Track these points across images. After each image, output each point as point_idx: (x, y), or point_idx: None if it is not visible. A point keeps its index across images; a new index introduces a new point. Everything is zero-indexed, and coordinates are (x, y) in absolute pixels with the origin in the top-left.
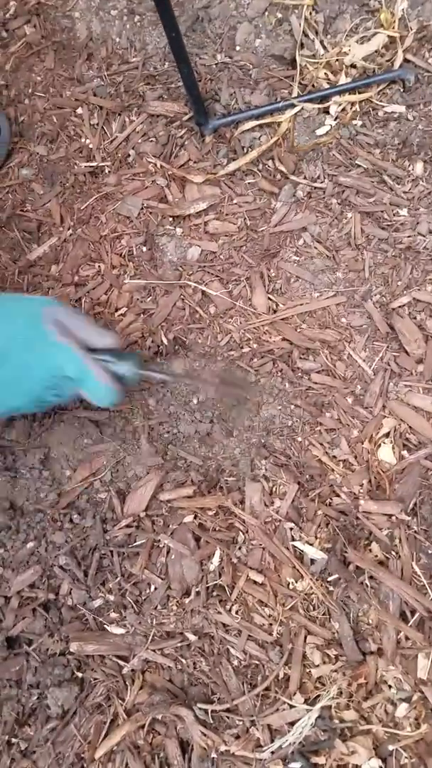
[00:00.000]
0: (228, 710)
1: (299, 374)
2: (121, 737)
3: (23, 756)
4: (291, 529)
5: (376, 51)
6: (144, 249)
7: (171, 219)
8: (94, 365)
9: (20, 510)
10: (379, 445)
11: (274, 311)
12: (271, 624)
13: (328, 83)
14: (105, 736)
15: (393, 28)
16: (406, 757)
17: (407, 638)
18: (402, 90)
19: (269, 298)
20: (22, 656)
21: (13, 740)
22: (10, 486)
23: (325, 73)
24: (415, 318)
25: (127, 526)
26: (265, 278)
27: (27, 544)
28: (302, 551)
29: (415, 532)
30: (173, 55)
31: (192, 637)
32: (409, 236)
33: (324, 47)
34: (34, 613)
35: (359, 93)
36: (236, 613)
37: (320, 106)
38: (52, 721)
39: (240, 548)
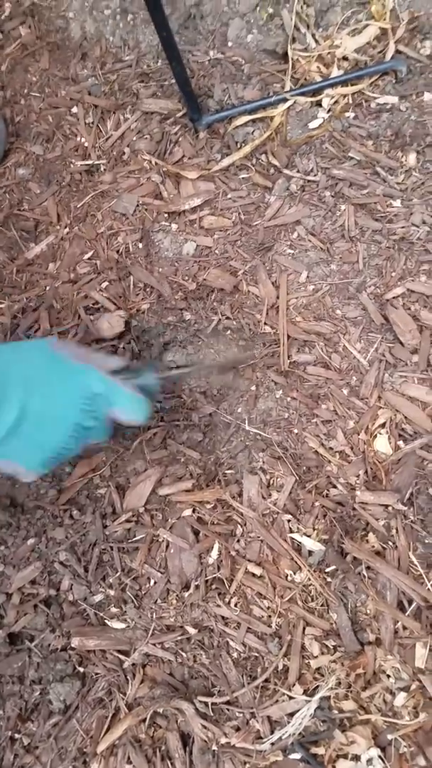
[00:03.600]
0: (228, 703)
1: (295, 366)
2: (123, 731)
3: (26, 751)
4: (289, 521)
5: (367, 43)
6: (140, 246)
7: (166, 215)
8: (118, 380)
9: (20, 507)
10: (375, 436)
11: (272, 304)
12: (269, 616)
13: (320, 76)
14: (107, 730)
15: (384, 19)
16: (404, 746)
17: (405, 628)
18: (394, 81)
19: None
20: (24, 652)
21: (17, 736)
22: (10, 483)
23: (318, 67)
24: (409, 309)
25: (127, 521)
26: (263, 271)
27: (27, 540)
28: (300, 543)
29: (412, 521)
30: (165, 53)
31: (192, 631)
32: (402, 227)
33: (316, 40)
34: (36, 609)
35: (351, 85)
36: (235, 605)
37: (313, 99)
38: (54, 716)
39: (238, 541)
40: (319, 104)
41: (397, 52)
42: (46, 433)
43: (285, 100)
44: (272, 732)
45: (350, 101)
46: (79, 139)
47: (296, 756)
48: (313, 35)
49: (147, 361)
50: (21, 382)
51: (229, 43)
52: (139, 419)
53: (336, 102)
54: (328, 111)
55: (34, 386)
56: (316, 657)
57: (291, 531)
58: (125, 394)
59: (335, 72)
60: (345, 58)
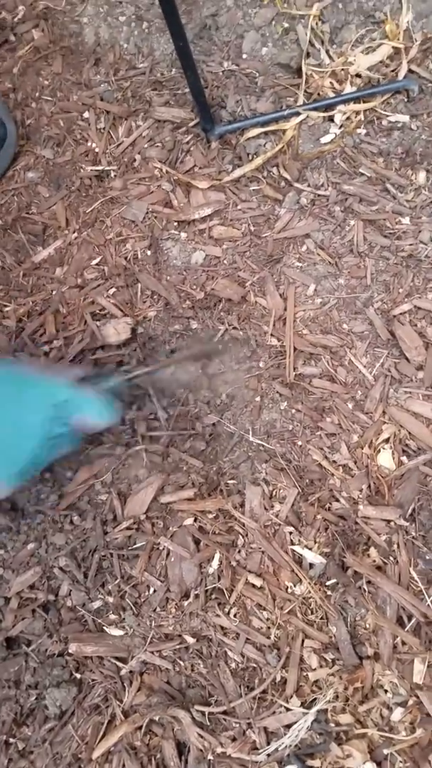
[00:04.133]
0: (225, 712)
1: (301, 379)
2: (119, 738)
3: (21, 756)
4: (290, 533)
5: (381, 61)
6: (148, 253)
7: (176, 224)
8: (83, 386)
9: (21, 511)
10: (379, 451)
11: (279, 316)
12: (269, 627)
13: (333, 92)
14: (102, 736)
15: (398, 39)
16: (400, 761)
17: (404, 643)
18: (406, 100)
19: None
20: (21, 656)
21: (11, 740)
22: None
23: (331, 82)
24: (415, 325)
25: (128, 528)
26: (272, 283)
27: (27, 545)
28: (301, 555)
29: (413, 537)
30: (180, 62)
31: (190, 640)
32: (411, 244)
33: (330, 57)
34: (34, 613)
35: (364, 102)
36: (234, 616)
37: (325, 114)
38: (50, 721)
39: (239, 552)
40: (331, 119)
41: (410, 71)
42: (15, 446)
43: (298, 114)
44: (268, 743)
45: (362, 118)
46: (89, 144)
47: None
48: (327, 51)
49: (111, 371)
50: None
51: (244, 55)
52: (105, 421)
53: (348, 118)
54: (340, 127)
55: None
56: (315, 670)
57: (292, 543)
58: (90, 398)
59: (348, 88)
60: (358, 75)
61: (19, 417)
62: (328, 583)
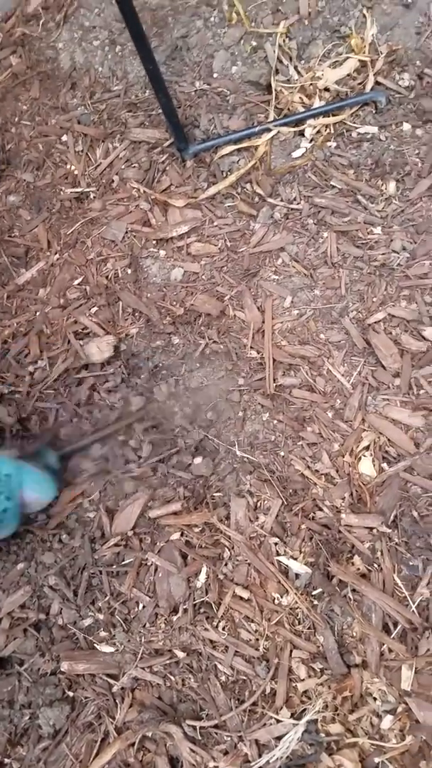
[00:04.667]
0: (216, 726)
1: (281, 390)
2: (112, 755)
3: None
4: (276, 544)
5: (348, 75)
6: (129, 271)
7: (154, 242)
8: (24, 462)
9: None
10: (360, 459)
11: (258, 328)
12: (257, 639)
13: (302, 107)
14: (96, 754)
15: (364, 52)
16: None
17: (390, 650)
18: (374, 111)
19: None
20: (14, 676)
21: (6, 761)
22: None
23: (300, 97)
24: (390, 333)
25: (116, 545)
26: (249, 296)
27: (17, 565)
28: (287, 566)
29: (396, 544)
30: (152, 85)
31: (180, 654)
32: (383, 254)
33: (298, 72)
34: (26, 633)
35: (333, 116)
36: (223, 629)
37: (296, 129)
38: (43, 740)
39: (226, 564)
40: (301, 134)
41: (377, 83)
42: None
43: (269, 130)
44: (260, 755)
45: (332, 131)
46: (68, 166)
47: None
48: (296, 67)
49: (38, 443)
50: None
51: (215, 75)
52: (48, 497)
53: (318, 132)
54: (311, 141)
55: None
56: (303, 680)
57: (278, 554)
58: (34, 473)
59: (317, 103)
60: (326, 89)
61: None
62: (314, 592)
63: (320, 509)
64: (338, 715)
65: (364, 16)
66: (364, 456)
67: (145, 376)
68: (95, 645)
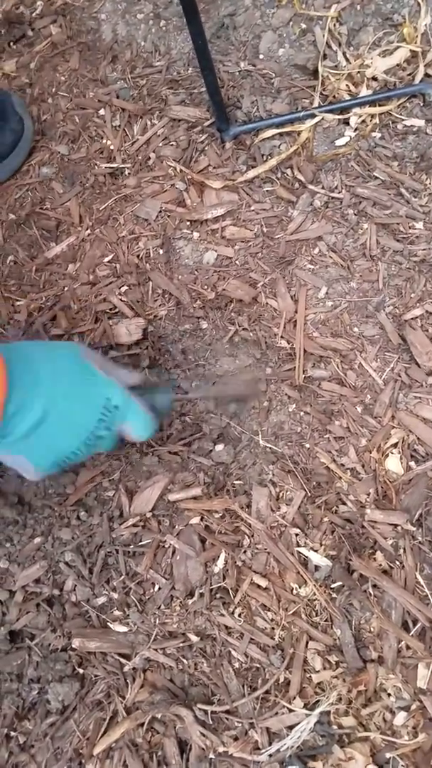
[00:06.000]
0: (227, 712)
1: (310, 381)
2: (120, 734)
3: (21, 750)
4: (296, 534)
5: (397, 65)
6: (161, 252)
7: (188, 223)
8: (136, 397)
9: (28, 505)
10: (387, 455)
11: (290, 318)
12: (273, 628)
13: (349, 95)
14: (104, 732)
15: (415, 42)
16: (402, 766)
17: (408, 647)
18: (422, 104)
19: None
20: (24, 650)
21: (12, 733)
22: (19, 481)
23: (347, 85)
24: (427, 330)
25: (134, 525)
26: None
27: (34, 539)
28: (307, 557)
29: (420, 542)
30: (198, 62)
31: (194, 638)
32: (424, 249)
33: (346, 59)
34: (38, 608)
35: (379, 106)
36: (239, 616)
37: (340, 117)
38: (51, 716)
39: (245, 552)
40: (346, 122)
41: (426, 75)
42: (63, 437)
43: (313, 116)
44: (270, 744)
45: (377, 121)
46: (104, 141)
47: None
48: (344, 53)
49: (163, 380)
50: (49, 384)
51: (261, 56)
52: (143, 438)
53: (363, 121)
54: (355, 130)
55: (60, 389)
56: (318, 672)
57: (298, 545)
58: (139, 412)
59: (364, 91)
60: (374, 78)
61: (74, 411)
62: (333, 585)
63: (344, 503)
64: (351, 708)
65: (419, 4)
66: (392, 453)
67: (174, 361)
68: (108, 624)
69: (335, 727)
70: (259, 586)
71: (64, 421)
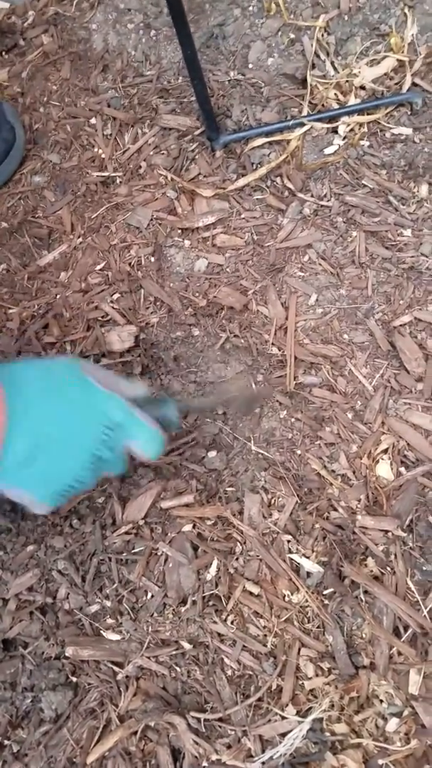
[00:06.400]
0: (220, 719)
1: (301, 388)
2: (114, 743)
3: (15, 758)
4: (288, 541)
5: (385, 74)
6: (152, 259)
7: (179, 231)
8: (139, 411)
9: (21, 513)
10: (378, 461)
11: (281, 325)
12: (265, 635)
13: (337, 104)
14: (97, 741)
15: (402, 52)
16: None
17: (400, 653)
18: (409, 113)
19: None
20: (17, 659)
21: (6, 742)
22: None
23: (335, 94)
24: (416, 337)
25: (126, 533)
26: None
27: (27, 547)
28: (299, 564)
29: (411, 548)
30: (188, 71)
31: (187, 646)
32: (412, 256)
33: (335, 68)
34: (31, 616)
35: (367, 114)
36: (231, 623)
37: (329, 125)
38: (45, 724)
39: (237, 559)
40: (335, 131)
41: (414, 84)
42: (60, 463)
43: (302, 124)
44: (263, 751)
45: (366, 130)
46: (96, 150)
47: None
48: (332, 63)
49: (168, 392)
50: (39, 406)
51: (250, 65)
52: (153, 457)
53: (352, 130)
54: (344, 138)
55: (52, 410)
56: (311, 678)
57: (290, 551)
58: (145, 428)
59: (352, 100)
60: (362, 88)
61: (71, 434)
62: (325, 592)
63: (335, 509)
64: (344, 715)
65: (405, 15)
66: (382, 459)
67: (166, 368)
68: (101, 632)
69: (328, 733)
70: (251, 593)
71: (58, 446)
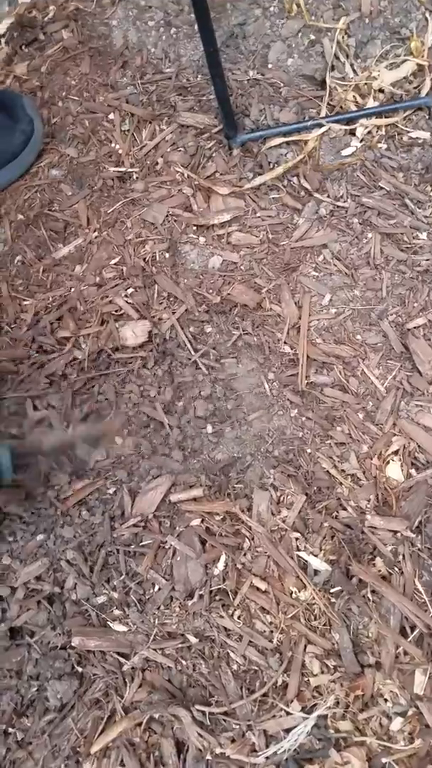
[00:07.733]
0: (225, 713)
1: (312, 387)
2: (118, 734)
3: (19, 746)
4: (297, 539)
5: (404, 77)
6: (167, 256)
7: (195, 228)
8: None
9: (32, 502)
10: (388, 462)
11: (294, 324)
12: (272, 631)
13: (356, 106)
14: (102, 731)
15: (422, 56)
16: None
17: (406, 653)
18: (427, 117)
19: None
20: (23, 647)
21: (11, 730)
22: (28, 476)
23: (354, 96)
24: (429, 339)
25: (135, 525)
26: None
27: (36, 536)
28: (306, 561)
29: (419, 549)
30: (209, 69)
31: (193, 639)
32: (427, 259)
33: (354, 71)
34: (39, 605)
35: (386, 117)
36: (238, 618)
37: (347, 127)
38: (50, 713)
39: (245, 555)
40: (353, 133)
41: None
42: None
43: (320, 125)
44: (267, 746)
45: (383, 133)
46: (113, 145)
47: None
48: (352, 65)
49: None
50: None
51: (269, 65)
52: None
53: (369, 132)
54: (362, 140)
55: None
56: (316, 675)
57: (298, 549)
58: None
59: (371, 103)
60: (381, 90)
61: None
62: (332, 590)
63: (344, 509)
64: (348, 713)
65: (426, 19)
66: (393, 460)
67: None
68: (108, 623)
69: (332, 731)
70: (258, 589)
71: None
